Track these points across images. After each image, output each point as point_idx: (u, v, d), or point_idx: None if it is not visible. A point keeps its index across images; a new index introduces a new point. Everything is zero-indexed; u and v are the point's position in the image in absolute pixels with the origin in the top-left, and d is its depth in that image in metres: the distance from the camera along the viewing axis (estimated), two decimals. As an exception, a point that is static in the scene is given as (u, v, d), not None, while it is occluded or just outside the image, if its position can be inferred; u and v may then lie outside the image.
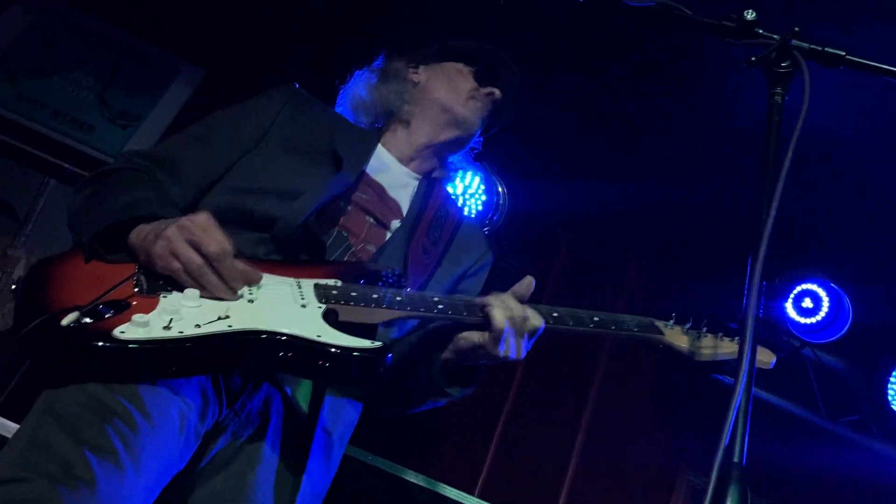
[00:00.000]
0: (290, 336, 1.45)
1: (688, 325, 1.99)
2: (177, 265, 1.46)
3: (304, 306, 1.55)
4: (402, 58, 2.27)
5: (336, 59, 2.55)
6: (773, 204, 1.30)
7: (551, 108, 4.00)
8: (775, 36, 1.50)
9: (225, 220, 1.60)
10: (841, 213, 3.72)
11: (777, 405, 4.29)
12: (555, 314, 1.81)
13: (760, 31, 1.52)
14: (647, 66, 3.55)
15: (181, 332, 1.37)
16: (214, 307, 1.46)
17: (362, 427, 1.89)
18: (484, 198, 3.90)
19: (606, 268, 4.76)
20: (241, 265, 1.52)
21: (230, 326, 1.42)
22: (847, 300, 3.80)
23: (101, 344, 1.31)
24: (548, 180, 4.13)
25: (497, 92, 2.18)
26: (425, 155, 2.14)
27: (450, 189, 2.32)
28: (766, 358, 1.95)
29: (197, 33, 4.27)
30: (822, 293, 3.88)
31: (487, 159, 3.89)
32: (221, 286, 1.48)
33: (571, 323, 1.82)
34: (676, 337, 1.96)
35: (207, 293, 1.47)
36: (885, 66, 1.44)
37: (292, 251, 1.74)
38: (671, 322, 1.97)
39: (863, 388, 4.09)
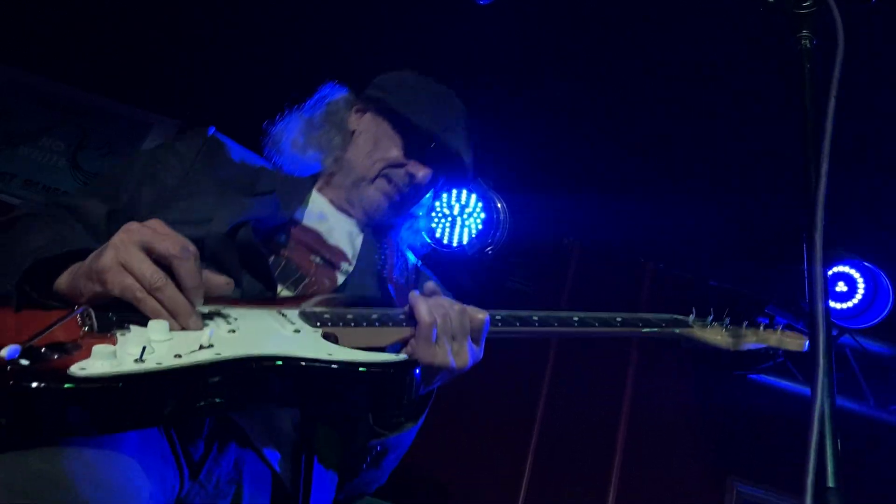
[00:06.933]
0: (293, 359, 1.13)
1: (710, 318, 1.87)
2: (129, 280, 1.13)
3: (297, 331, 1.28)
4: (350, 94, 1.96)
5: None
6: (821, 177, 1.08)
7: (544, 116, 3.81)
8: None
9: None
10: (873, 186, 3.43)
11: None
12: (575, 318, 1.67)
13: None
14: (646, 68, 3.37)
15: (160, 364, 1.04)
16: (192, 337, 1.14)
17: (390, 479, 1.66)
18: (483, 216, 3.69)
19: (621, 273, 4.54)
20: (207, 273, 1.21)
21: (218, 354, 1.10)
22: (886, 279, 3.53)
23: (55, 386, 0.95)
24: (548, 189, 3.92)
25: (420, 174, 1.80)
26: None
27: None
28: (797, 341, 1.86)
29: (167, 86, 4.10)
30: (856, 275, 3.62)
31: (482, 175, 3.69)
32: (183, 304, 1.15)
33: (597, 324, 1.68)
34: (703, 330, 1.83)
35: (168, 317, 1.15)
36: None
37: (234, 268, 1.47)
38: (692, 316, 1.84)
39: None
